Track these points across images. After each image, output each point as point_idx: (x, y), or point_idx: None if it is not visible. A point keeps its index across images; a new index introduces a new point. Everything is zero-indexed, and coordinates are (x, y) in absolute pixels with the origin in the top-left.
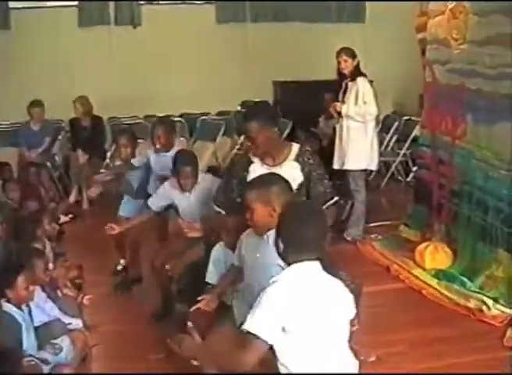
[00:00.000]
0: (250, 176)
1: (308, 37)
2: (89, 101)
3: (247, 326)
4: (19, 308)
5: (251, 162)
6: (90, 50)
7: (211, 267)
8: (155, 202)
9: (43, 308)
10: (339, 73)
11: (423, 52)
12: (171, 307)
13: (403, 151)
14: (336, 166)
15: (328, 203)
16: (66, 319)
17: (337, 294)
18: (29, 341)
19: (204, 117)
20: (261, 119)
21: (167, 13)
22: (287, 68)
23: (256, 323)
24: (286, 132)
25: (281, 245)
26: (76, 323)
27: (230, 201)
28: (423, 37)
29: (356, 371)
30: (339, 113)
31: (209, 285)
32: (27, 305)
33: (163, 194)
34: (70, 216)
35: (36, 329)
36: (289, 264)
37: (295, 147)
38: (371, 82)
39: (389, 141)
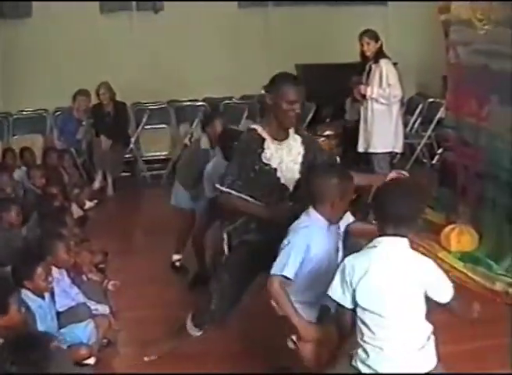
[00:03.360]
0: (265, 152)
1: (330, 19)
2: (111, 87)
3: (329, 292)
4: (40, 295)
5: (264, 140)
6: (113, 36)
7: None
8: None
9: (68, 293)
10: (362, 55)
11: (446, 34)
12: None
13: (427, 134)
14: (360, 149)
15: None
16: (92, 305)
17: (419, 272)
18: (48, 327)
19: (227, 101)
20: None
21: None
22: (310, 51)
23: (334, 293)
24: (310, 115)
25: (374, 218)
26: (103, 308)
27: (246, 181)
28: (446, 18)
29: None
30: (364, 96)
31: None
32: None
33: None
34: (95, 201)
35: (61, 313)
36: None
37: None
38: (394, 64)
39: (414, 123)
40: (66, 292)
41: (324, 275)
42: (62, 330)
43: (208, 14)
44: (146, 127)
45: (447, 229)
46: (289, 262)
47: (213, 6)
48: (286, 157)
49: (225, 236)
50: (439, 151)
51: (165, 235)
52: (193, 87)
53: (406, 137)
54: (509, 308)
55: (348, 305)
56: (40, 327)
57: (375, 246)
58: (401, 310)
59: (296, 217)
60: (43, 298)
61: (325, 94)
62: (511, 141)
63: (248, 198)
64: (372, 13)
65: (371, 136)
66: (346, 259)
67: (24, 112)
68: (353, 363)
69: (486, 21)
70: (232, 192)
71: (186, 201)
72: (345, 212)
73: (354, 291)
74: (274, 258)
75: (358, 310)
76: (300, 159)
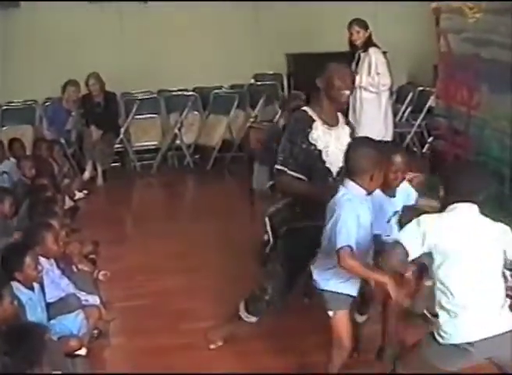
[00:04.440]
0: (313, 133)
1: (320, 8)
2: (100, 78)
3: (401, 237)
4: (30, 287)
5: (313, 121)
6: (102, 26)
7: None
8: None
9: (58, 284)
10: (351, 44)
11: (437, 21)
12: None
13: (418, 122)
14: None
15: None
16: (82, 296)
17: (490, 236)
18: (38, 318)
19: (217, 91)
20: None
21: None
22: (300, 40)
23: (403, 234)
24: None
25: (442, 192)
26: (94, 299)
27: (294, 159)
28: (437, 6)
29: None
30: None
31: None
32: (39, 282)
33: None
34: (85, 191)
35: (51, 304)
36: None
37: None
38: (384, 53)
39: (404, 111)
40: (56, 283)
41: (366, 242)
42: (51, 322)
43: (197, 3)
44: (136, 117)
45: None
46: (350, 232)
47: None
48: (333, 142)
49: (266, 219)
50: (430, 139)
51: (156, 224)
52: (183, 76)
53: (396, 125)
54: None
55: (414, 253)
56: (31, 319)
57: (449, 213)
58: (481, 268)
59: None
60: (33, 290)
61: (315, 84)
62: (501, 129)
63: (300, 175)
64: (362, 2)
65: (359, 125)
66: (423, 218)
67: (13, 103)
68: (435, 334)
69: (477, 9)
70: (286, 170)
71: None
72: (381, 183)
73: (431, 252)
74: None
75: (439, 274)
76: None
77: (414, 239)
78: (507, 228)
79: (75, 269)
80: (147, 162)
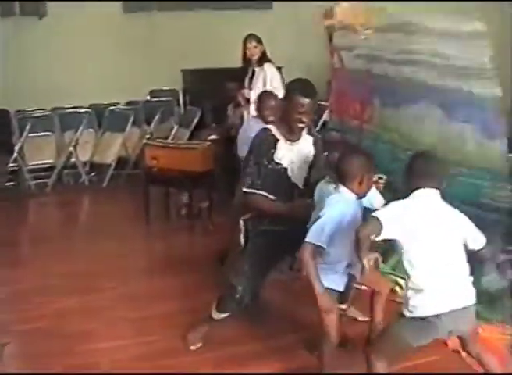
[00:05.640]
0: (277, 152)
1: (215, 24)
2: None
3: (376, 213)
4: None
5: (277, 140)
6: None
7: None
8: None
9: None
10: (245, 59)
11: (330, 39)
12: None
13: None
14: (242, 154)
15: None
16: None
17: (451, 218)
18: None
19: (112, 108)
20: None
21: (73, 3)
22: (195, 56)
23: (381, 214)
24: (196, 120)
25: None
26: None
27: (262, 179)
28: (330, 23)
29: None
30: (248, 100)
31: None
32: None
33: None
34: None
35: None
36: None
37: None
38: (279, 68)
39: None
40: None
41: (350, 238)
42: None
43: (92, 19)
44: (30, 135)
45: None
46: (324, 232)
47: (98, 11)
48: (296, 157)
49: (241, 222)
50: (325, 153)
51: (51, 245)
52: (78, 93)
53: None
54: (394, 304)
55: (387, 233)
56: None
57: (413, 198)
58: (445, 248)
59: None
60: None
61: (211, 99)
62: (391, 141)
63: (269, 195)
64: (257, 18)
65: None
66: (398, 203)
67: None
68: (403, 310)
69: (368, 27)
70: (256, 191)
71: None
72: (370, 187)
73: (404, 230)
74: (291, 246)
75: (406, 254)
76: (310, 159)
77: (390, 218)
78: (465, 216)
79: None
80: (42, 180)
